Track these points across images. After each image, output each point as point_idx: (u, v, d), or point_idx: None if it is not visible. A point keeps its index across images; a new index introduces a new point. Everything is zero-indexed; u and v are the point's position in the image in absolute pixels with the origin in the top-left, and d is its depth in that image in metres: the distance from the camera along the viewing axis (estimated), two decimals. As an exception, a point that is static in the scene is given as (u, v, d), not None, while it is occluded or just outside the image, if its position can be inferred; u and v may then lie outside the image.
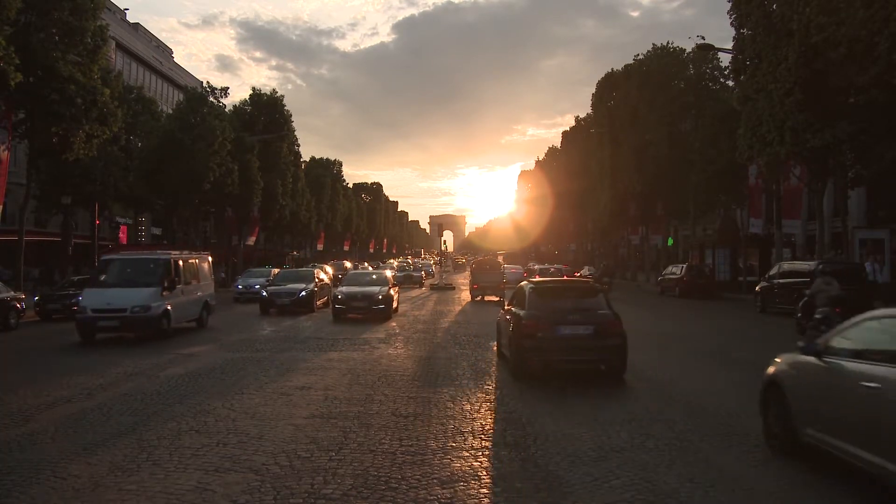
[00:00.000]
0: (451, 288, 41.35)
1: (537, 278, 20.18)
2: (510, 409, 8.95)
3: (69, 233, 34.05)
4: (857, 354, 5.91)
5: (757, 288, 26.23)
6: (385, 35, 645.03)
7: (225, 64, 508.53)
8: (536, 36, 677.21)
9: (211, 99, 41.87)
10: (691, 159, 37.39)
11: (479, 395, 9.93)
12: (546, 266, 47.33)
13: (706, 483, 6.03)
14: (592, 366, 11.15)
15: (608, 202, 51.35)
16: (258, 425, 8.05)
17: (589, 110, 59.26)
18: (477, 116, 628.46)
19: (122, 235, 47.58)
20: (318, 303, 25.54)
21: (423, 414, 8.67)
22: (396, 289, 25.23)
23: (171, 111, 44.40)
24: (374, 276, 25.31)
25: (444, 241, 64.22)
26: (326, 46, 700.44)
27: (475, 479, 6.14)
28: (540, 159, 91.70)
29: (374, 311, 21.64)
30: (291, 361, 13.07)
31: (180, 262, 18.16)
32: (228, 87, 65.13)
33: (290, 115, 52.73)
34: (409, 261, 75.58)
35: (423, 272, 51.17)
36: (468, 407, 9.11)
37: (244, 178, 42.16)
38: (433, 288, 42.39)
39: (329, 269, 40.51)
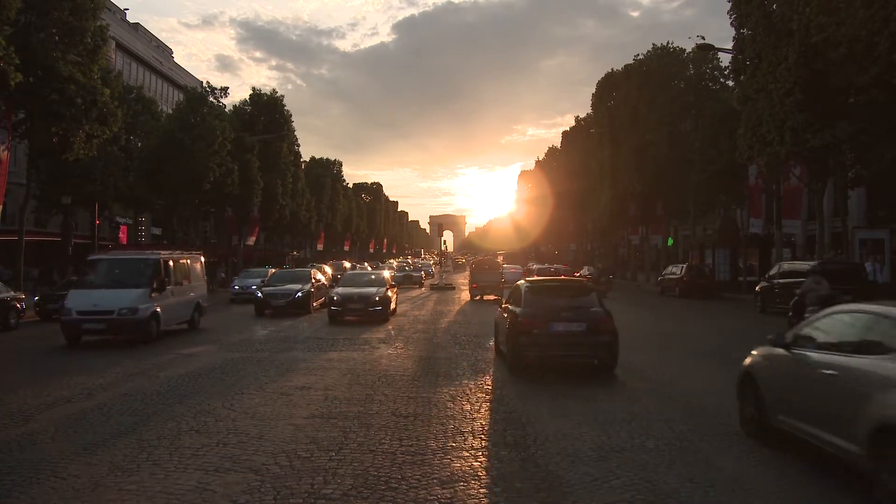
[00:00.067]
0: (451, 288, 41.34)
1: (535, 277, 20.32)
2: (510, 409, 8.95)
3: (69, 233, 34.04)
4: (820, 346, 6.48)
5: (757, 288, 26.23)
6: (385, 35, 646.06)
7: (225, 64, 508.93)
8: (536, 36, 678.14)
9: (211, 99, 41.90)
10: (691, 159, 37.39)
11: (479, 395, 9.94)
12: (546, 266, 47.35)
13: (706, 483, 6.03)
14: (585, 360, 11.59)
15: (608, 202, 51.35)
16: (258, 425, 8.05)
17: (589, 110, 59.32)
18: (477, 116, 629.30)
19: (122, 235, 47.55)
20: (315, 304, 24.91)
21: (423, 414, 8.67)
22: (394, 290, 24.59)
23: (171, 111, 44.42)
24: (371, 277, 24.62)
25: (444, 242, 64.20)
26: (326, 46, 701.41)
27: (475, 479, 6.14)
28: (540, 159, 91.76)
29: (370, 314, 20.98)
30: (291, 361, 13.07)
31: (170, 263, 17.60)
32: (228, 87, 65.05)
33: (290, 115, 52.82)
34: (409, 261, 75.52)
35: (422, 272, 51.04)
36: (468, 407, 9.11)
37: (244, 178, 42.17)
38: (433, 288, 42.38)
39: (328, 269, 40.39)
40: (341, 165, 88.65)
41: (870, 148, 22.12)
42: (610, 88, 51.78)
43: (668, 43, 44.68)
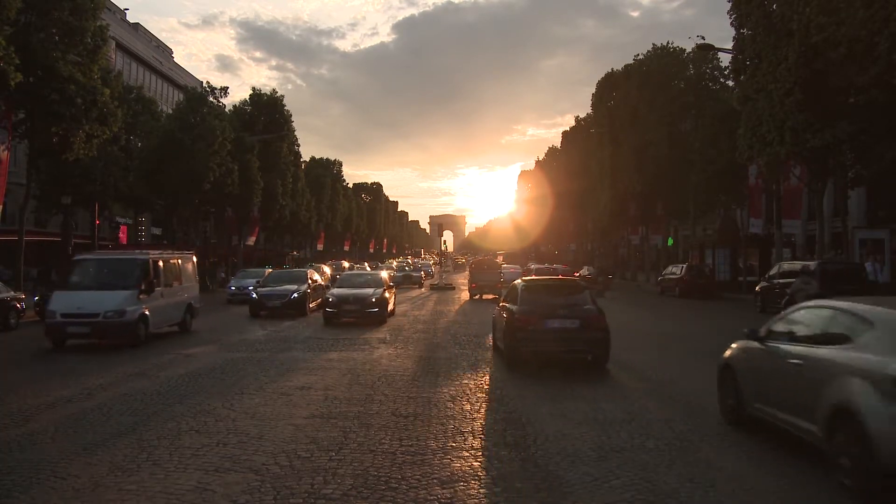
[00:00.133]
0: (450, 288, 41.39)
1: (532, 276, 20.47)
2: (510, 409, 8.95)
3: (69, 233, 34.03)
4: (790, 338, 7.07)
5: (757, 288, 26.25)
6: (385, 35, 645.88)
7: (225, 64, 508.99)
8: (536, 36, 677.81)
9: (211, 99, 41.86)
10: (691, 159, 37.40)
11: (479, 395, 9.94)
12: (545, 266, 47.46)
13: (706, 483, 6.04)
14: (579, 356, 12.03)
15: (608, 202, 51.36)
16: (258, 425, 8.05)
17: (589, 110, 59.36)
18: (477, 116, 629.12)
19: (122, 235, 47.58)
20: (312, 305, 24.32)
21: (423, 414, 8.67)
22: (392, 291, 24.06)
23: (171, 111, 44.41)
24: (368, 278, 23.95)
25: (444, 242, 64.26)
26: (326, 46, 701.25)
27: (475, 479, 6.15)
28: (540, 159, 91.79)
29: (366, 315, 20.46)
30: (291, 361, 13.07)
31: (160, 263, 16.93)
32: (228, 87, 64.97)
33: (290, 115, 52.83)
34: (409, 261, 75.54)
35: (422, 272, 50.99)
36: (468, 407, 9.12)
37: (244, 178, 42.16)
38: (433, 288, 42.40)
39: (327, 269, 40.31)
40: (341, 165, 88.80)
41: (870, 148, 22.11)
42: (610, 88, 51.81)
43: (668, 43, 44.74)
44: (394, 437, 7.54)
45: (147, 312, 15.66)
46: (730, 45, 27.28)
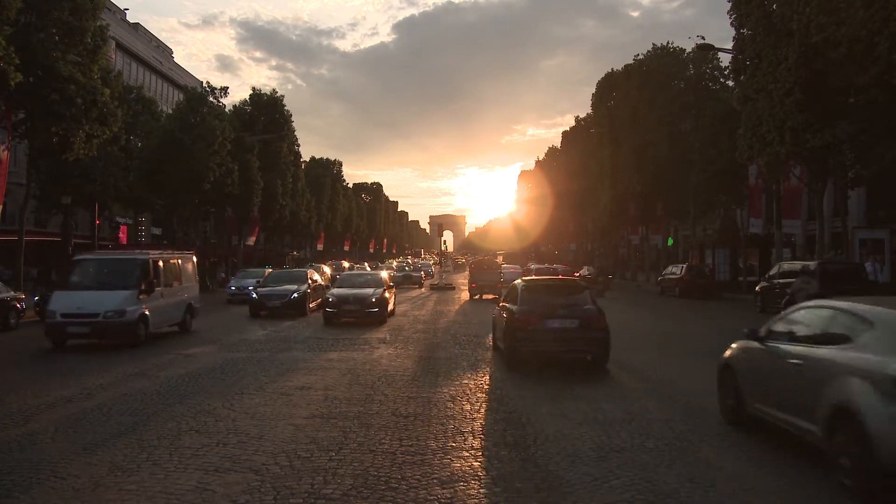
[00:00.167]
0: (451, 288, 41.39)
1: (532, 276, 20.52)
2: (510, 409, 8.95)
3: (69, 233, 34.03)
4: (789, 338, 7.09)
5: (757, 288, 26.24)
6: (385, 35, 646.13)
7: (225, 64, 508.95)
8: (536, 36, 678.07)
9: (211, 99, 41.86)
10: (691, 159, 37.40)
11: (479, 395, 9.94)
12: (545, 266, 47.53)
13: (706, 483, 6.04)
14: (578, 355, 12.06)
15: (608, 202, 51.36)
16: (258, 425, 8.05)
17: (589, 110, 59.34)
18: (477, 116, 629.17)
19: (122, 235, 47.58)
20: (312, 305, 24.23)
21: (423, 414, 8.67)
22: (392, 291, 23.99)
23: (171, 111, 44.42)
24: (368, 278, 23.88)
25: (444, 242, 64.27)
26: (326, 46, 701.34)
27: (475, 479, 6.15)
28: (540, 159, 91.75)
29: (366, 315, 20.40)
30: (291, 361, 13.07)
31: (160, 263, 16.87)
32: (228, 87, 64.94)
33: (290, 115, 52.85)
34: (409, 261, 75.54)
35: (422, 272, 50.97)
36: (468, 407, 9.12)
37: (244, 178, 42.16)
38: (433, 288, 42.40)
39: (327, 269, 40.27)
40: (341, 165, 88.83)
41: (870, 148, 22.11)
42: (610, 88, 51.80)
43: (668, 43, 44.73)
44: (394, 437, 7.54)
45: (147, 312, 15.63)
46: (730, 45, 27.32)
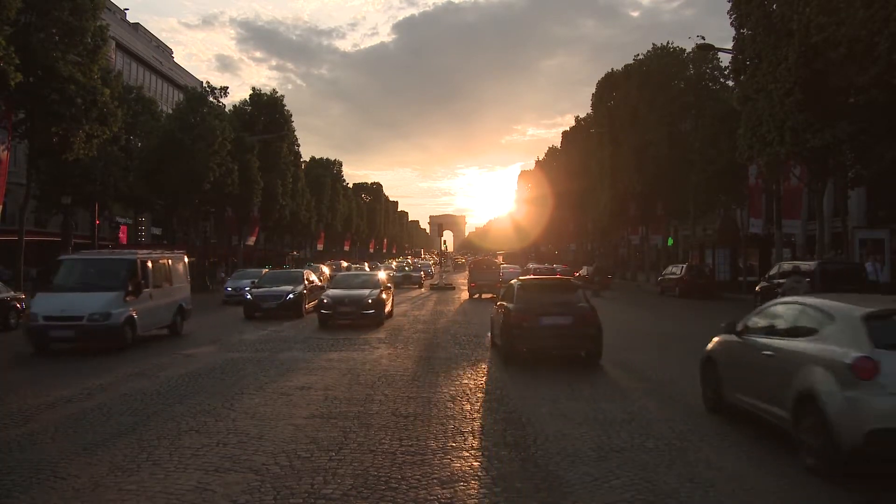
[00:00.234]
0: (450, 288, 41.40)
1: (530, 276, 20.67)
2: (510, 409, 8.95)
3: (69, 233, 34.05)
4: (764, 332, 7.67)
5: (757, 288, 26.21)
6: (385, 35, 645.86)
7: (225, 64, 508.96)
8: (536, 36, 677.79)
9: (211, 99, 41.87)
10: (691, 159, 37.40)
11: (479, 395, 9.94)
12: (544, 266, 47.66)
13: (706, 483, 6.04)
14: (572, 351, 12.51)
15: (608, 202, 51.35)
16: (258, 425, 8.05)
17: (589, 110, 59.33)
18: (477, 116, 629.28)
19: (122, 235, 47.61)
20: (308, 306, 23.41)
21: (423, 414, 8.67)
22: (390, 291, 23.40)
23: (171, 111, 44.42)
24: (364, 278, 23.07)
25: (444, 242, 64.29)
26: (326, 46, 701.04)
27: (475, 479, 6.15)
28: (540, 159, 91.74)
29: (362, 317, 19.74)
30: (291, 361, 13.07)
31: (148, 263, 16.11)
32: (228, 87, 64.92)
33: (290, 115, 52.89)
34: (409, 261, 75.55)
35: (422, 272, 50.93)
36: (468, 407, 9.12)
37: (244, 178, 42.17)
38: (433, 288, 42.42)
39: (325, 269, 40.19)
40: (341, 165, 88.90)
41: (870, 148, 22.10)
42: (610, 88, 51.79)
43: (668, 43, 44.74)
44: (394, 437, 7.54)
45: (134, 315, 14.94)
46: (730, 45, 27.30)
